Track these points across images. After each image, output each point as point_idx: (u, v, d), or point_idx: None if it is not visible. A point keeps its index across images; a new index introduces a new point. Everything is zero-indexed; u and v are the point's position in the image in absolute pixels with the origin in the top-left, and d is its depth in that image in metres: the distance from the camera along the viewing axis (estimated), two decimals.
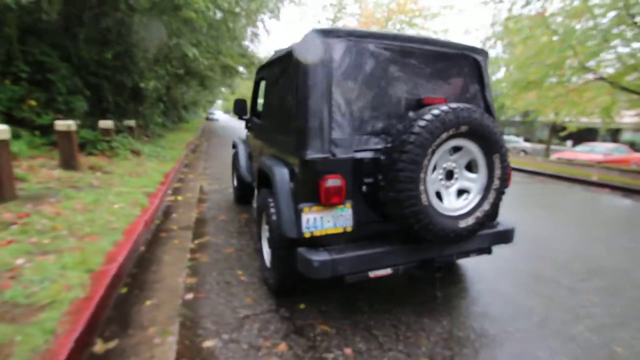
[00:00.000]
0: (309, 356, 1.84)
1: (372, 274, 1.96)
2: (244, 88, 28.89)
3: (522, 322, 2.24)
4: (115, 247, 2.85)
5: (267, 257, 2.59)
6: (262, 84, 3.15)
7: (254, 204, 4.80)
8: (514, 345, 2.00)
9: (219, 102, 54.24)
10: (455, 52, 2.25)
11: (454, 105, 1.79)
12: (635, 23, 7.11)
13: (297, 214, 1.86)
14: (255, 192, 3.38)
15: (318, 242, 1.90)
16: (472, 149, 1.92)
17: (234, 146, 4.79)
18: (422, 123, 1.72)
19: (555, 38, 9.24)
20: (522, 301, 2.50)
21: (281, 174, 2.13)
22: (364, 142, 1.96)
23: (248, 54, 15.56)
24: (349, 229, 1.94)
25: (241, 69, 16.74)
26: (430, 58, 2.17)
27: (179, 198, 5.02)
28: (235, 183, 4.90)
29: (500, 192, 2.00)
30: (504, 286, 2.71)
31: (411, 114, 1.85)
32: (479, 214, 1.96)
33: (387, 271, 1.99)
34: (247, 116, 3.84)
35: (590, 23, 8.29)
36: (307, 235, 1.86)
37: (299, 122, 1.93)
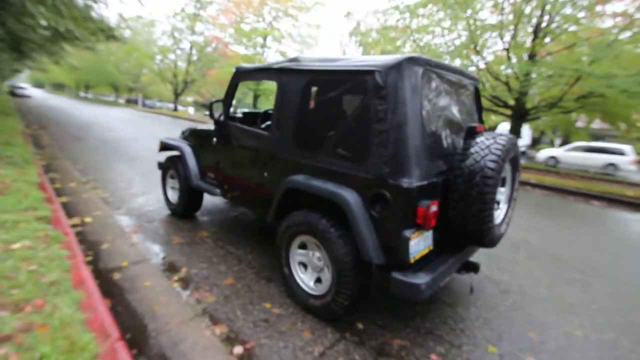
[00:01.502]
0: None
1: (442, 283, 2.17)
2: (77, 59, 22.75)
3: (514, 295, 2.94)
4: (86, 310, 2.04)
5: (307, 283, 2.42)
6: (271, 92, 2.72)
7: (193, 216, 4.15)
8: (522, 312, 2.64)
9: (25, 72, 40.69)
10: (471, 82, 2.62)
11: (509, 135, 2.15)
12: (475, 48, 9.57)
13: (403, 241, 1.87)
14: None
15: (410, 265, 1.96)
16: (507, 168, 2.36)
17: (171, 148, 3.97)
18: (497, 152, 2.01)
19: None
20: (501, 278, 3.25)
21: (356, 201, 2.03)
22: (436, 166, 2.09)
23: (92, 17, 12.40)
24: (431, 248, 2.07)
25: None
26: (462, 86, 2.48)
27: (87, 220, 3.79)
28: (173, 194, 4.09)
29: (515, 200, 2.54)
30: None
31: (483, 141, 2.09)
32: (507, 219, 2.44)
33: (449, 278, 2.25)
34: (217, 119, 3.25)
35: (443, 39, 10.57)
36: (412, 260, 1.89)
37: (396, 149, 1.90)
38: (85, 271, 2.51)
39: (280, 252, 2.53)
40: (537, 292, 3.03)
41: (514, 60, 9.38)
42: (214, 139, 3.37)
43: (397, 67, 1.93)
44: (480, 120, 2.84)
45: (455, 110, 2.40)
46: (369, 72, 2.02)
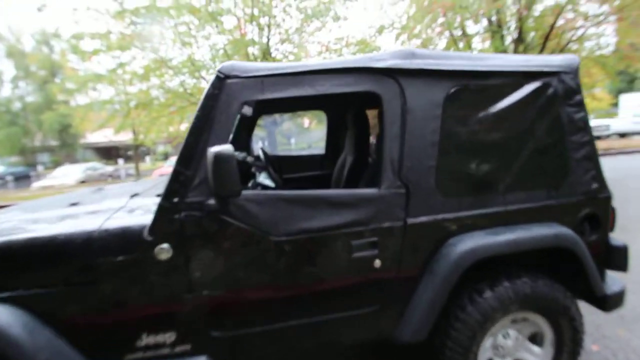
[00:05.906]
0: None
1: None
2: None
3: None
4: None
5: None
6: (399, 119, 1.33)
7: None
8: None
9: None
10: None
11: None
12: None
13: (622, 252, 1.72)
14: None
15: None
16: None
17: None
18: None
19: None
20: None
21: (574, 234, 1.59)
22: None
23: None
24: None
25: None
26: None
27: None
28: None
29: None
30: None
31: None
32: None
33: None
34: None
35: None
36: None
37: (597, 159, 1.66)
38: None
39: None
40: None
41: None
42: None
43: (578, 68, 1.68)
44: None
45: None
46: (555, 74, 1.59)
